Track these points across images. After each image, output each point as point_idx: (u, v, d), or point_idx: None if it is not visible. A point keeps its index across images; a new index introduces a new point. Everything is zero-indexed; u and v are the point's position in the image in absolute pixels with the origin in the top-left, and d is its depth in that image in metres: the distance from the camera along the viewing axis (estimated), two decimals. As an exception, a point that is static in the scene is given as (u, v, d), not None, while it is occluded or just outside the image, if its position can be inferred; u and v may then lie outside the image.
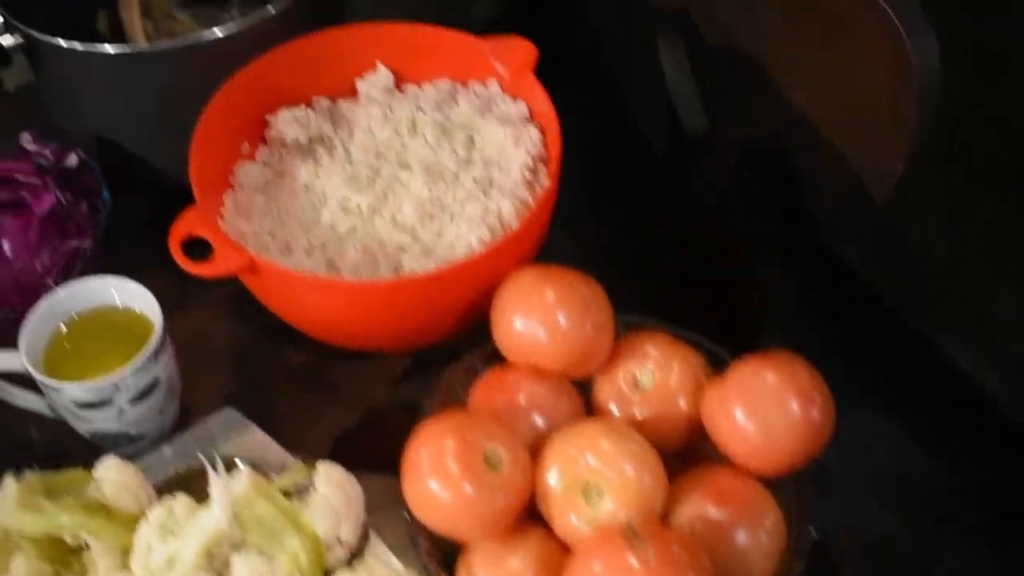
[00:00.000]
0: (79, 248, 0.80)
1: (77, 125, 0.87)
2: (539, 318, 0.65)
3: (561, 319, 0.64)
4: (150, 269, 0.73)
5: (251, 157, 0.81)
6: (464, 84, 0.83)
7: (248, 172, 0.78)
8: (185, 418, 0.75)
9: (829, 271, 0.81)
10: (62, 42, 0.78)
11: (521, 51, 0.79)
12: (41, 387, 0.71)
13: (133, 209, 0.86)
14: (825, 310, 0.82)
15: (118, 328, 0.72)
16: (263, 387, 0.79)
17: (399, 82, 0.84)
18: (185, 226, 0.70)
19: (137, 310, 0.73)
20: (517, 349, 0.66)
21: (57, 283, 0.77)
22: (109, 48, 0.77)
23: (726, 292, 0.83)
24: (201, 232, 0.69)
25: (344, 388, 0.78)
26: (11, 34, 0.80)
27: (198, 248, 0.69)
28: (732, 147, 0.86)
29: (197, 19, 0.93)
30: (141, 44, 0.87)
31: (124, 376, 0.68)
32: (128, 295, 0.73)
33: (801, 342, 0.65)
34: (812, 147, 0.74)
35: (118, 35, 0.91)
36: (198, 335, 0.80)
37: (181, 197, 0.72)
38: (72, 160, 0.83)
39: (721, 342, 0.68)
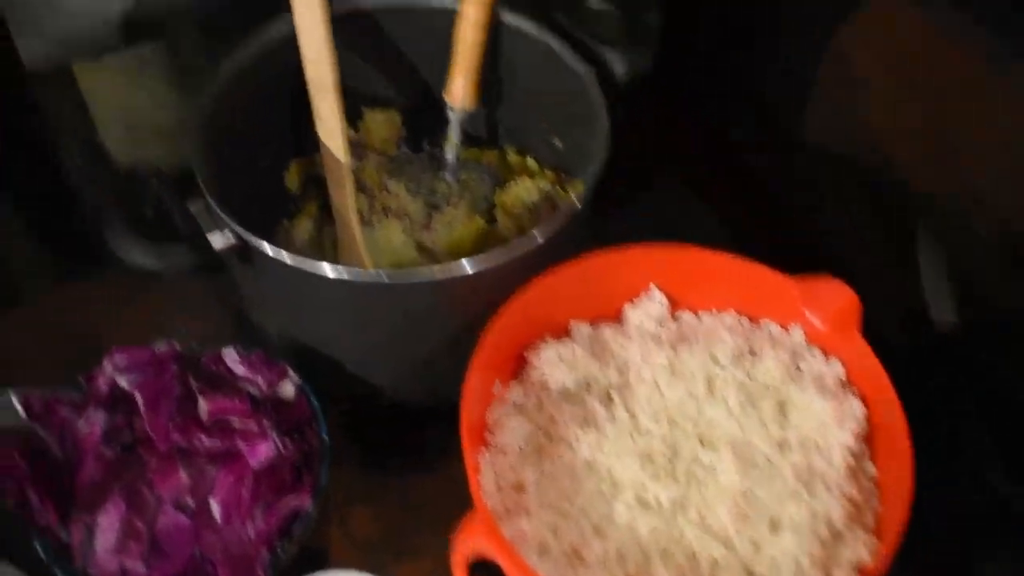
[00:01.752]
0: (298, 509, 0.67)
1: (282, 336, 0.74)
2: None
3: None
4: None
5: (502, 398, 0.68)
6: (754, 320, 0.70)
7: (511, 430, 0.65)
8: None
9: None
10: (287, 258, 0.65)
11: (841, 299, 0.66)
12: None
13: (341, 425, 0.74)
14: None
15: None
16: None
17: (674, 307, 0.71)
18: (471, 542, 0.57)
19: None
20: None
21: (272, 553, 0.65)
22: (341, 272, 0.64)
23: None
24: (492, 554, 0.57)
25: None
26: (222, 232, 0.67)
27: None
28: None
29: (410, 190, 0.81)
30: (360, 248, 0.77)
31: None
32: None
33: None
34: None
35: (327, 217, 0.78)
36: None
37: (402, 416, 0.69)
38: (288, 390, 0.70)
39: None
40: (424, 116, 0.85)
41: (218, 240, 0.67)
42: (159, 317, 0.83)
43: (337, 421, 0.73)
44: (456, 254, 0.79)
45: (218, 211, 0.66)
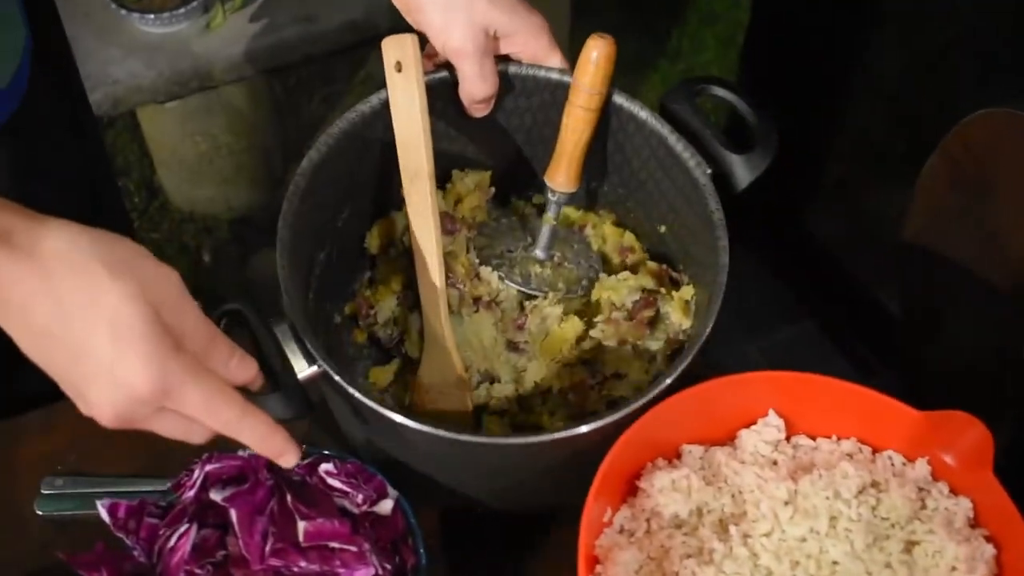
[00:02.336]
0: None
1: (370, 447, 0.72)
2: None
3: None
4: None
5: (611, 524, 0.65)
6: (876, 451, 0.67)
7: (623, 564, 0.62)
8: None
9: None
10: (375, 406, 0.63)
11: (973, 435, 0.63)
12: None
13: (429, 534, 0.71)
14: None
15: None
16: None
17: (790, 431, 0.68)
18: None
19: None
20: None
21: None
22: (434, 429, 0.62)
23: None
24: None
25: None
26: (312, 365, 0.64)
27: None
28: None
29: (502, 276, 0.78)
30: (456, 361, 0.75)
31: None
32: None
33: None
34: None
35: (410, 294, 0.76)
36: None
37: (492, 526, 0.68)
38: (386, 507, 0.68)
39: None
40: (514, 173, 0.82)
41: (303, 369, 0.64)
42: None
43: (426, 530, 0.71)
44: (549, 354, 0.76)
45: (307, 345, 0.64)
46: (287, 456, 0.58)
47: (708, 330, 0.66)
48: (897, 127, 1.20)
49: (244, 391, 0.58)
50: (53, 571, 0.68)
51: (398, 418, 0.62)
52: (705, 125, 0.74)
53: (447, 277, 0.75)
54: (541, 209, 0.81)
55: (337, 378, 0.63)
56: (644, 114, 0.74)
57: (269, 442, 0.57)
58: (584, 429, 0.62)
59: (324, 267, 0.75)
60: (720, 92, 0.76)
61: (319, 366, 0.63)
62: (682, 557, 0.62)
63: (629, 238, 0.82)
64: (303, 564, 0.63)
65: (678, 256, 0.78)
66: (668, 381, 0.64)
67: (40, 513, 0.74)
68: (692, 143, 0.73)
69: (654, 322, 0.77)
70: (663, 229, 0.79)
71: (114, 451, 0.79)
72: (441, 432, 0.61)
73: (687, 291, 0.75)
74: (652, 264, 0.79)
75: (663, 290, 0.77)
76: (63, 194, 0.86)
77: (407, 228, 0.74)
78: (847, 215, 1.30)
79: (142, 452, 0.77)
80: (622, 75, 0.72)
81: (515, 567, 0.75)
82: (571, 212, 0.83)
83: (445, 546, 0.74)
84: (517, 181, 0.84)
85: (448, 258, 0.76)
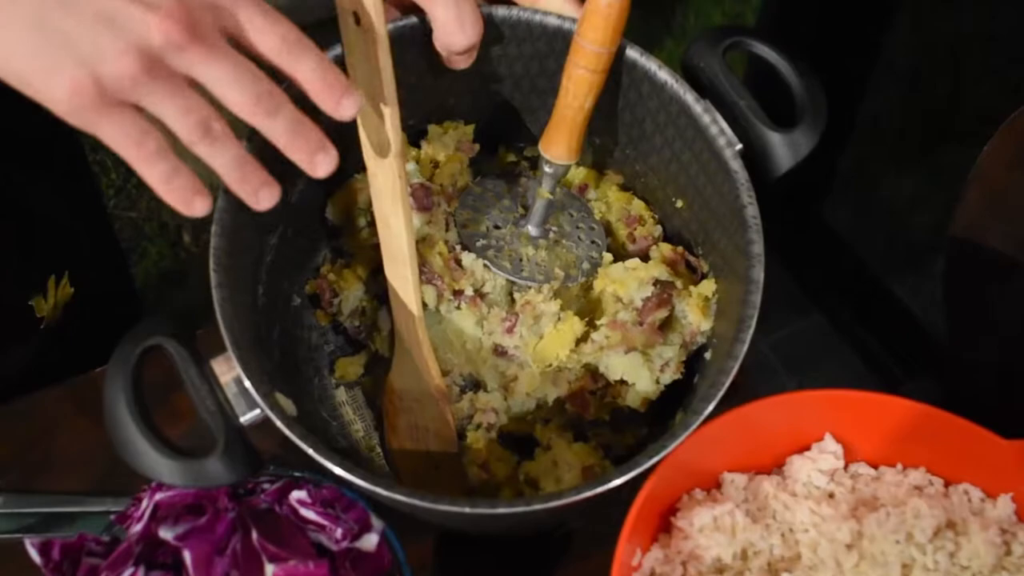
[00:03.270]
0: None
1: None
2: None
3: None
4: None
5: (637, 567, 0.55)
6: (949, 483, 0.57)
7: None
8: None
9: None
10: (345, 474, 0.50)
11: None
12: None
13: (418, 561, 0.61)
14: None
15: None
16: None
17: (847, 458, 0.58)
18: None
19: None
20: None
21: None
22: (414, 498, 0.50)
23: None
24: None
25: None
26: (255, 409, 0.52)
27: None
28: None
29: (488, 264, 0.65)
30: None
31: None
32: None
33: None
34: None
35: (379, 284, 0.64)
36: None
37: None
38: (371, 541, 0.57)
39: None
40: (502, 123, 0.69)
41: (245, 412, 0.52)
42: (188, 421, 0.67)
43: (416, 563, 0.61)
44: (543, 360, 0.64)
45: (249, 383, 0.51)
46: (348, 99, 0.49)
47: (740, 357, 0.53)
48: (913, 114, 1.11)
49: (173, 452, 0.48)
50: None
51: (375, 489, 0.50)
52: (737, 91, 0.62)
53: (421, 270, 0.63)
54: (534, 163, 0.68)
55: (290, 433, 0.51)
56: (663, 75, 0.61)
57: (328, 72, 0.49)
58: (601, 490, 0.50)
59: (278, 249, 0.63)
60: (756, 47, 0.63)
61: (265, 409, 0.51)
62: (729, 612, 0.52)
63: (638, 206, 0.69)
64: (272, 616, 0.53)
65: (697, 237, 0.66)
66: (698, 422, 0.52)
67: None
68: (721, 112, 0.60)
69: (668, 322, 0.65)
70: (680, 203, 0.66)
71: (63, 465, 0.68)
72: (428, 504, 0.50)
73: (707, 286, 0.63)
74: (666, 247, 0.67)
75: (679, 283, 0.64)
76: (31, 172, 0.75)
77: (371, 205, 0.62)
78: (861, 204, 1.20)
79: (94, 466, 0.66)
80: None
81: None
82: (571, 171, 0.70)
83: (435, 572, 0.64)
84: (506, 131, 0.70)
85: (423, 246, 0.64)
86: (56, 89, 0.45)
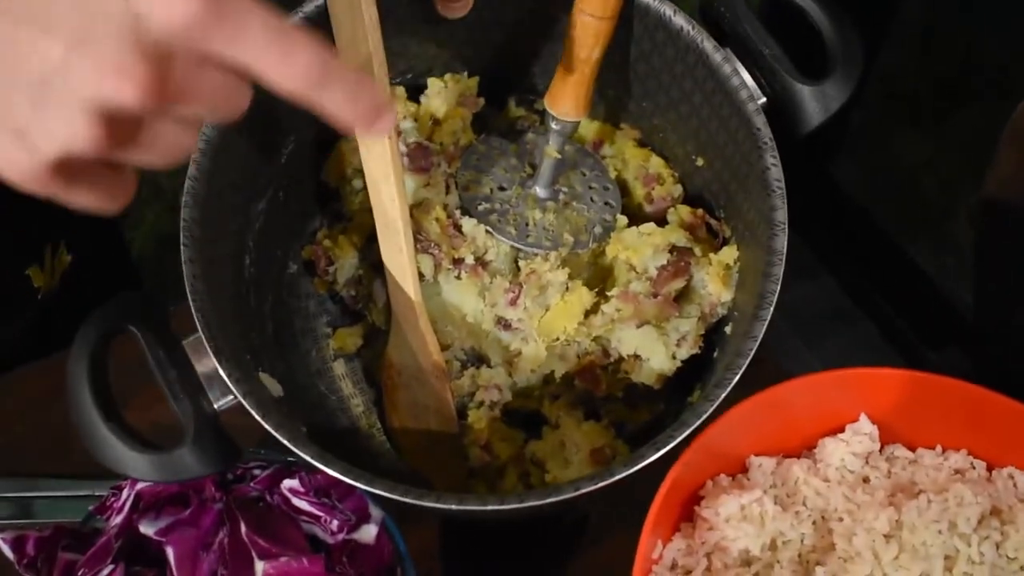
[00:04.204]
0: None
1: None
2: None
3: None
4: None
5: (658, 559, 0.51)
6: (991, 465, 0.53)
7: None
8: None
9: None
10: (330, 470, 0.47)
11: None
12: None
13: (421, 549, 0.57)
14: None
15: None
16: None
17: (883, 439, 0.54)
18: None
19: None
20: None
21: None
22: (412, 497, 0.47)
23: None
24: None
25: None
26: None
27: None
28: None
29: (491, 230, 0.60)
30: None
31: None
32: None
33: None
34: None
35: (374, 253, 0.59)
36: None
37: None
38: (369, 533, 0.53)
39: None
40: (507, 74, 0.64)
41: (219, 398, 0.47)
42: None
43: (420, 550, 0.57)
44: (549, 334, 0.59)
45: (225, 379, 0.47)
46: (384, 119, 0.38)
47: (759, 337, 0.49)
48: (926, 72, 1.06)
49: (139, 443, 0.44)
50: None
51: (355, 484, 0.46)
52: (760, 38, 0.56)
53: (416, 238, 0.58)
54: (544, 117, 0.61)
55: (265, 423, 0.46)
56: (678, 21, 0.56)
57: (360, 90, 0.37)
58: (603, 484, 0.46)
59: (268, 215, 0.59)
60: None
61: (238, 395, 0.47)
62: (756, 610, 0.48)
63: (657, 164, 0.64)
64: (263, 617, 0.49)
65: (719, 199, 0.61)
66: (711, 409, 0.47)
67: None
68: (743, 62, 0.55)
69: (685, 292, 0.60)
70: (700, 162, 0.61)
71: (42, 445, 0.64)
72: (413, 500, 0.46)
73: (729, 253, 0.58)
74: (685, 209, 0.62)
75: (698, 251, 0.59)
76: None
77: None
78: (872, 162, 1.16)
79: (75, 448, 0.62)
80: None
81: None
82: (584, 125, 0.65)
83: (446, 570, 0.60)
84: (513, 83, 0.65)
85: (418, 212, 0.59)
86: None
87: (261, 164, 0.57)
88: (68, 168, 0.35)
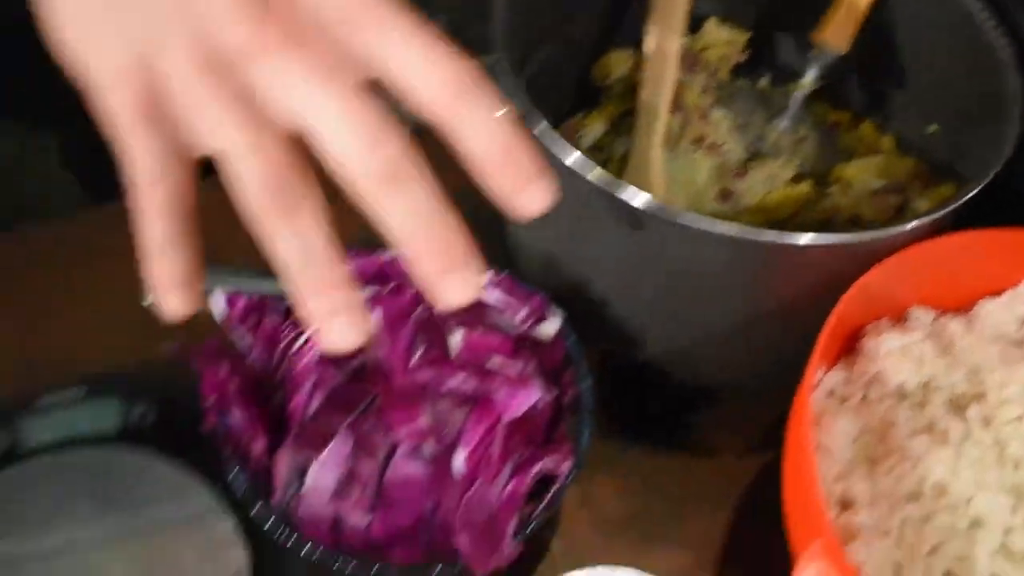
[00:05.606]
0: (552, 472, 0.55)
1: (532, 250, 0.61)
2: None
3: None
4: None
5: (822, 387, 0.55)
6: None
7: (840, 432, 0.53)
8: None
9: None
10: (569, 157, 0.51)
11: None
12: None
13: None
14: None
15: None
16: None
17: (1042, 307, 0.57)
18: (814, 570, 0.45)
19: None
20: None
21: (521, 521, 0.53)
22: (633, 198, 0.50)
23: None
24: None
25: None
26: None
27: None
28: None
29: (734, 126, 0.66)
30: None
31: None
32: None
33: None
34: None
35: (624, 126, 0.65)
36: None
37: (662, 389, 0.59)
38: (549, 329, 0.57)
39: None
40: (771, 44, 0.70)
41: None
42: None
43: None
44: (764, 215, 0.64)
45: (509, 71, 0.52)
46: (537, 187, 0.32)
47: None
48: None
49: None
50: (157, 366, 0.59)
51: (590, 170, 0.50)
52: None
53: (673, 103, 0.63)
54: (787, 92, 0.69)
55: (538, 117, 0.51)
56: None
57: (514, 141, 0.31)
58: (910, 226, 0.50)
59: (536, 73, 0.62)
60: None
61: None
62: (910, 433, 0.52)
63: (889, 143, 0.67)
64: (457, 380, 0.54)
65: (948, 158, 0.63)
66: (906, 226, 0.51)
67: (146, 305, 0.64)
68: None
69: (900, 210, 0.63)
70: (932, 128, 0.64)
71: (240, 240, 0.69)
72: (638, 203, 0.49)
73: (947, 188, 0.61)
74: (909, 159, 0.66)
75: (918, 182, 0.63)
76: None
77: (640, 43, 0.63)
78: None
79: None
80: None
81: (683, 434, 0.66)
82: (824, 109, 0.70)
83: (602, 400, 0.64)
84: (773, 61, 0.71)
85: (680, 88, 0.64)
86: (101, 67, 0.35)
87: (550, 23, 0.62)
88: (150, 99, 0.34)
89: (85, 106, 0.36)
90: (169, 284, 0.37)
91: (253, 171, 0.31)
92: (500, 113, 0.30)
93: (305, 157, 0.33)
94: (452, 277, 0.32)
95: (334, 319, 0.33)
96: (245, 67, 0.32)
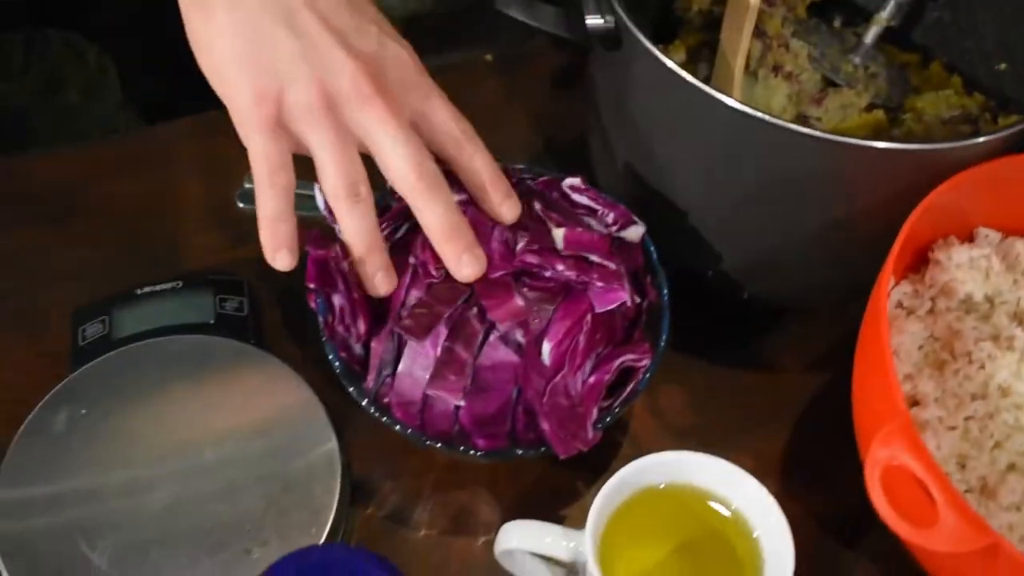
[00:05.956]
0: (633, 366, 0.58)
1: (620, 165, 0.64)
2: None
3: None
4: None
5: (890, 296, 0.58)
6: None
7: (909, 335, 0.55)
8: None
9: None
10: (668, 62, 0.54)
11: None
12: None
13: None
14: None
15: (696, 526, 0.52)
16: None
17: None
18: (886, 453, 0.47)
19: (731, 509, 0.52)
20: None
21: (600, 412, 0.56)
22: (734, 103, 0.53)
23: None
24: (917, 471, 0.47)
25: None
26: (602, 16, 0.58)
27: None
28: None
29: (812, 57, 0.68)
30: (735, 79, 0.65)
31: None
32: (728, 482, 0.52)
33: None
34: None
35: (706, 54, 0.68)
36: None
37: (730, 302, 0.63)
38: (635, 233, 0.60)
39: None
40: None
41: (594, 17, 0.57)
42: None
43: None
44: None
45: None
46: (509, 203, 0.58)
47: None
48: None
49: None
50: (248, 263, 0.63)
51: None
52: None
53: (756, 28, 0.65)
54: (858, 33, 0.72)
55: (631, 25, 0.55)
56: None
57: (495, 174, 0.57)
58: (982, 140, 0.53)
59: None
60: None
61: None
62: (976, 340, 0.55)
63: (957, 81, 0.70)
64: (560, 268, 0.56)
65: (1017, 95, 0.65)
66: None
67: (241, 206, 0.67)
68: None
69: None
70: (1003, 66, 0.67)
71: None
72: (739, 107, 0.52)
73: (1013, 118, 0.63)
74: (978, 96, 0.68)
75: (987, 114, 0.66)
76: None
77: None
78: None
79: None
80: None
81: (745, 346, 0.69)
82: (895, 51, 0.72)
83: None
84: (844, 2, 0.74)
85: (762, 17, 0.67)
86: (244, 90, 0.51)
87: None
88: (278, 116, 0.51)
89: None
90: (280, 244, 0.53)
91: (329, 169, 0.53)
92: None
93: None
94: (464, 256, 0.54)
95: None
96: (344, 105, 0.51)
